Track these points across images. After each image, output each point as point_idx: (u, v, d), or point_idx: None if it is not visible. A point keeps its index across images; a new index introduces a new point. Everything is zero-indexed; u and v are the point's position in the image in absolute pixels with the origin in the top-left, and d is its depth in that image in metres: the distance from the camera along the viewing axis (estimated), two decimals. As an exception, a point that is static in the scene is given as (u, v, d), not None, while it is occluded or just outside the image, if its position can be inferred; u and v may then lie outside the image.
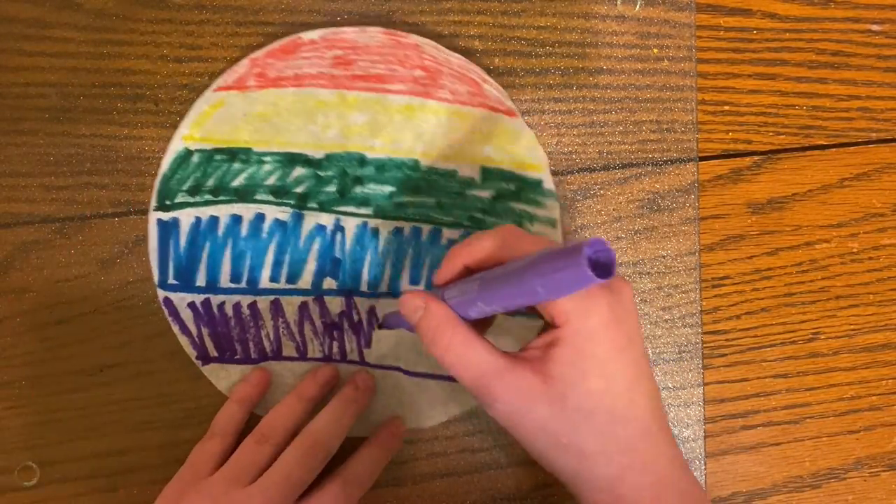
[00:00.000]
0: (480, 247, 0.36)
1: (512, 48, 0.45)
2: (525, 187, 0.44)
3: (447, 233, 0.44)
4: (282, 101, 0.43)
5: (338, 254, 0.44)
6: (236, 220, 0.44)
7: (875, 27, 0.47)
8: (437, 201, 0.44)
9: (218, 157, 0.43)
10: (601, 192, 0.46)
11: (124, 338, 0.44)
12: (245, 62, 0.43)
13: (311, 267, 0.44)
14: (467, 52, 0.44)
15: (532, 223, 0.44)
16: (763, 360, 0.47)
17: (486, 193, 0.44)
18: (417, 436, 0.45)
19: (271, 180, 0.44)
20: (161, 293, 0.43)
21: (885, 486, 0.48)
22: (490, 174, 0.44)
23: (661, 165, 0.46)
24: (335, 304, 0.44)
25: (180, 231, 0.43)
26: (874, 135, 0.48)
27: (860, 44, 0.47)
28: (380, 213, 0.44)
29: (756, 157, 0.47)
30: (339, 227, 0.44)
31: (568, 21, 0.45)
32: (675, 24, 0.46)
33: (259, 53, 0.43)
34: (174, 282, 0.43)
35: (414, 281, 0.44)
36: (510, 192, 0.44)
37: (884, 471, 0.47)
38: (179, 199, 0.43)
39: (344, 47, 0.43)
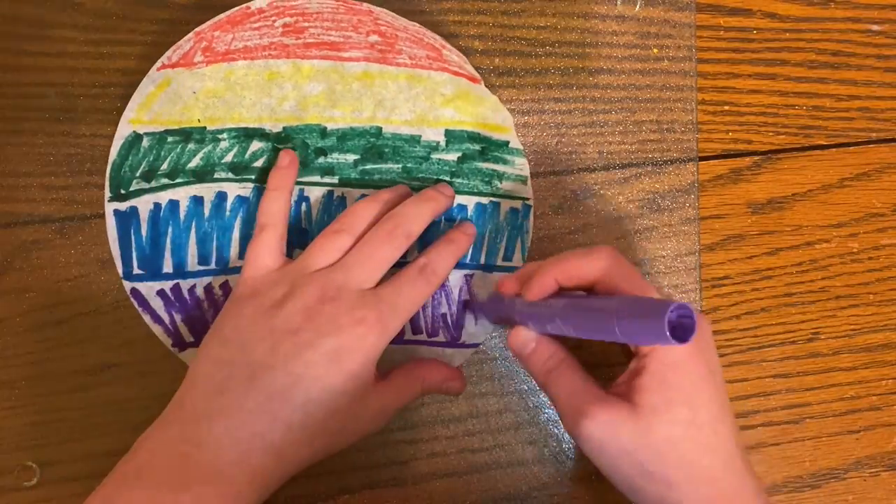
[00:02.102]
0: (578, 268, 0.37)
1: (512, 48, 0.45)
2: (491, 147, 0.44)
3: None
4: (233, 76, 0.42)
5: (304, 224, 0.43)
6: (197, 201, 0.43)
7: (875, 27, 0.47)
8: (402, 167, 0.43)
9: (171, 139, 0.43)
10: (601, 192, 0.46)
11: (124, 338, 0.44)
12: (190, 36, 0.42)
13: None
14: (467, 52, 0.44)
15: (501, 181, 0.44)
16: (763, 360, 0.47)
17: (451, 156, 0.44)
18: (417, 435, 0.45)
19: (229, 157, 0.43)
20: (127, 284, 0.43)
21: (885, 486, 0.48)
22: (454, 136, 0.43)
23: (661, 165, 0.46)
24: None
25: (140, 219, 0.43)
26: (874, 135, 0.48)
27: (860, 44, 0.47)
28: (345, 182, 0.43)
29: (756, 157, 0.47)
30: (303, 198, 0.43)
31: (568, 21, 0.45)
32: (675, 24, 0.46)
33: (205, 26, 0.42)
34: (140, 271, 0.43)
35: None
36: (476, 153, 0.44)
37: (884, 471, 0.47)
38: (134, 186, 0.43)
39: (294, 14, 0.42)
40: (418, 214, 0.40)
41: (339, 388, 0.37)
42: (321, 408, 0.36)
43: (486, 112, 0.44)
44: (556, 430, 0.45)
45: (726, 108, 0.47)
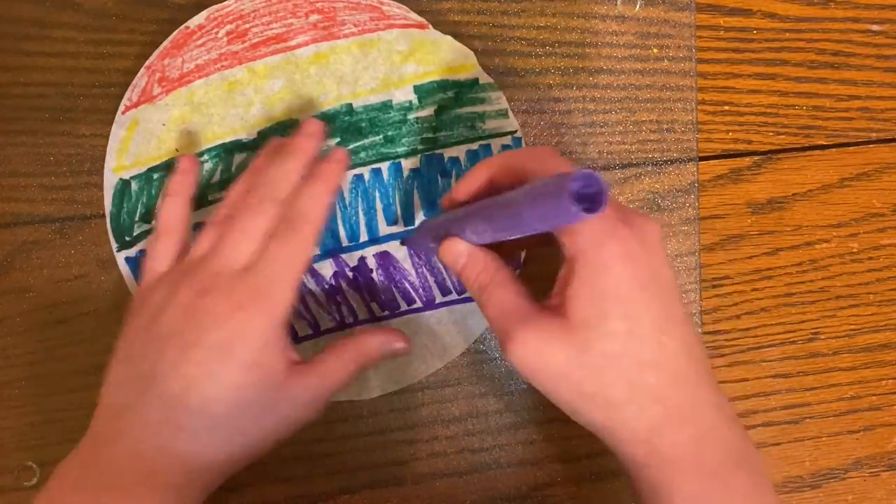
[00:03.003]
0: (507, 158, 0.35)
1: (512, 48, 0.45)
2: (463, 90, 0.43)
3: (407, 163, 0.43)
4: (195, 97, 0.43)
5: None
6: (199, 227, 0.43)
7: (875, 27, 0.47)
8: (383, 136, 0.43)
9: (156, 175, 0.43)
10: (601, 192, 0.46)
11: (124, 338, 0.44)
12: (142, 72, 0.43)
13: None
14: (467, 52, 0.44)
15: (484, 121, 0.44)
16: (763, 360, 0.47)
17: (427, 112, 0.43)
18: (417, 435, 0.45)
19: (217, 177, 0.43)
20: None
21: (885, 486, 0.48)
22: (424, 90, 0.43)
23: (661, 165, 0.46)
24: (326, 268, 0.43)
25: None
26: (874, 135, 0.48)
27: (860, 44, 0.47)
28: None
29: (756, 157, 0.47)
30: None
31: (568, 21, 0.45)
32: (675, 24, 0.46)
33: (152, 58, 0.43)
34: None
35: (390, 221, 0.43)
36: (451, 101, 0.43)
37: (884, 471, 0.47)
38: (137, 230, 0.43)
39: (232, 20, 0.43)
40: (283, 174, 0.37)
41: (239, 380, 0.35)
42: (224, 405, 0.34)
43: (447, 56, 0.43)
44: (556, 431, 0.45)
45: (726, 108, 0.47)
